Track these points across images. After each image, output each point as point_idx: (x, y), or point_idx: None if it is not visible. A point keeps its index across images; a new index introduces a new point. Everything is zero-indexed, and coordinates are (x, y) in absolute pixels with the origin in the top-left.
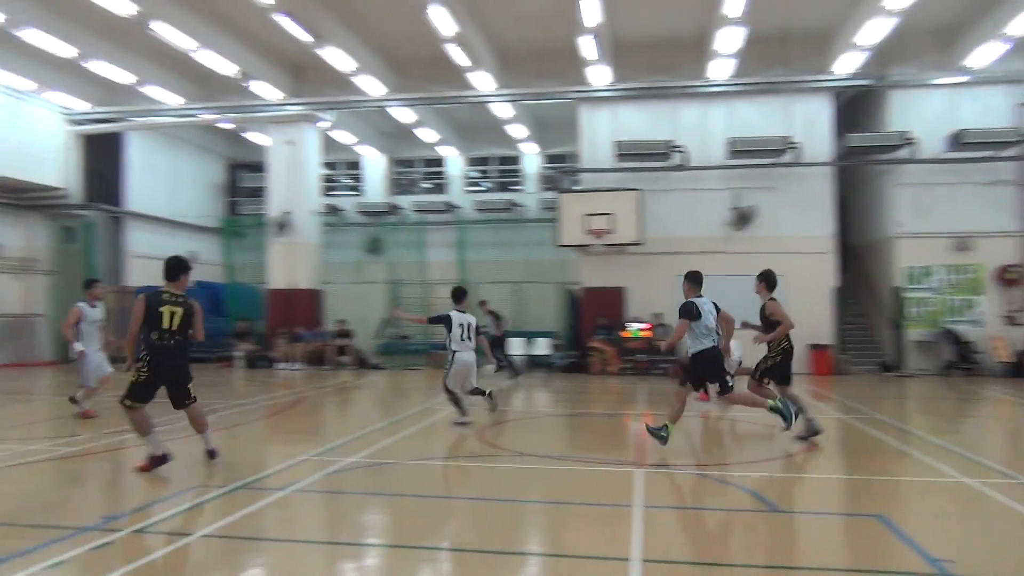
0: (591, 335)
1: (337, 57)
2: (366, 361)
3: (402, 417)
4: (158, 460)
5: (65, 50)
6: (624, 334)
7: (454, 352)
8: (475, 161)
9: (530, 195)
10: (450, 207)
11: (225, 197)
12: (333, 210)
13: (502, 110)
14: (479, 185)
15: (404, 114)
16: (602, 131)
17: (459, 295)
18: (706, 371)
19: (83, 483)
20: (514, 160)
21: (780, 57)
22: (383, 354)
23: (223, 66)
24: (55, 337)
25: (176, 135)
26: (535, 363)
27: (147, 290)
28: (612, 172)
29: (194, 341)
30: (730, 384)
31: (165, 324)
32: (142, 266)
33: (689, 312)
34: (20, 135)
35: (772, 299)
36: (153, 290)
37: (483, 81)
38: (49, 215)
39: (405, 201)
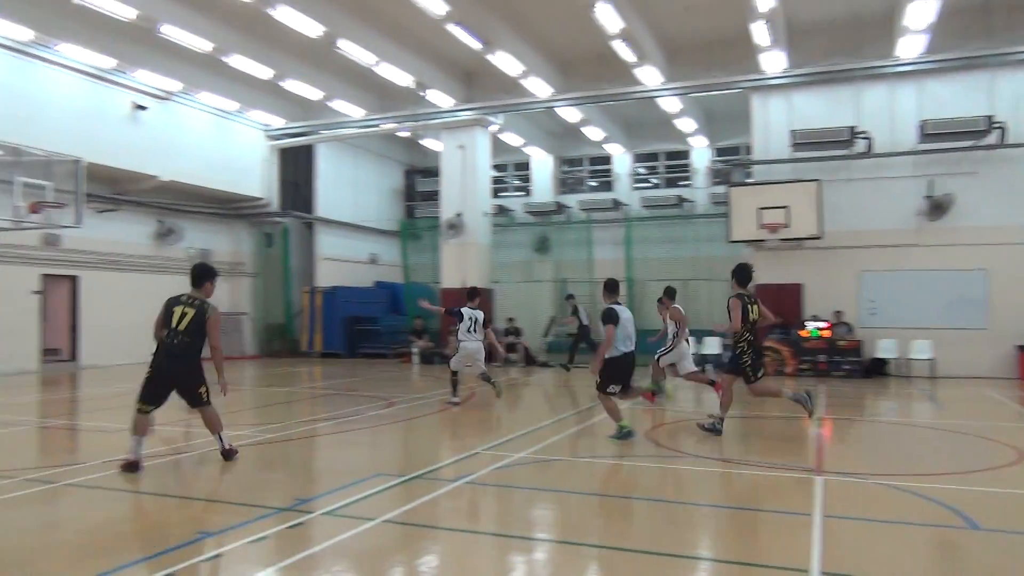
0: (765, 335)
1: (506, 61)
2: (534, 359)
3: (570, 414)
4: (131, 465)
5: (264, 72)
6: (803, 333)
7: (460, 341)
8: (642, 157)
9: (700, 190)
10: (617, 204)
11: (403, 201)
12: (502, 211)
13: (670, 104)
14: (647, 181)
15: (571, 113)
16: (776, 120)
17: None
18: (612, 376)
19: (279, 467)
20: (683, 155)
21: (981, 28)
22: (551, 352)
23: (400, 77)
24: (258, 333)
25: (359, 145)
26: (705, 363)
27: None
28: (787, 163)
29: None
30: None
31: (173, 323)
32: (330, 268)
33: (611, 317)
34: (227, 151)
35: (736, 295)
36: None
37: (650, 76)
38: (251, 223)
39: (572, 200)
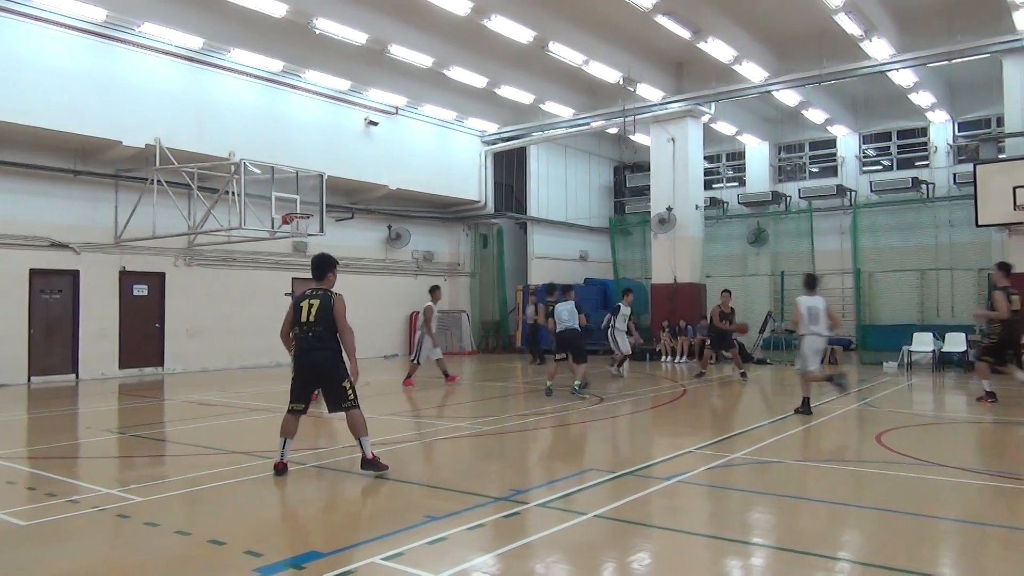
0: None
1: (717, 48)
2: (749, 356)
3: (788, 415)
4: (278, 467)
5: (479, 81)
6: None
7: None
8: (871, 138)
9: (940, 170)
10: (842, 191)
11: (613, 198)
12: (715, 203)
13: (903, 77)
14: (876, 164)
15: (788, 96)
16: None
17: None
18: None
19: (496, 458)
20: (919, 132)
21: None
22: (768, 349)
23: (609, 74)
24: (475, 329)
25: (569, 144)
26: (945, 361)
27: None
28: None
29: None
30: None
31: (303, 318)
32: (542, 266)
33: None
34: (447, 158)
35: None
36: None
37: (879, 49)
38: (469, 225)
39: (791, 188)
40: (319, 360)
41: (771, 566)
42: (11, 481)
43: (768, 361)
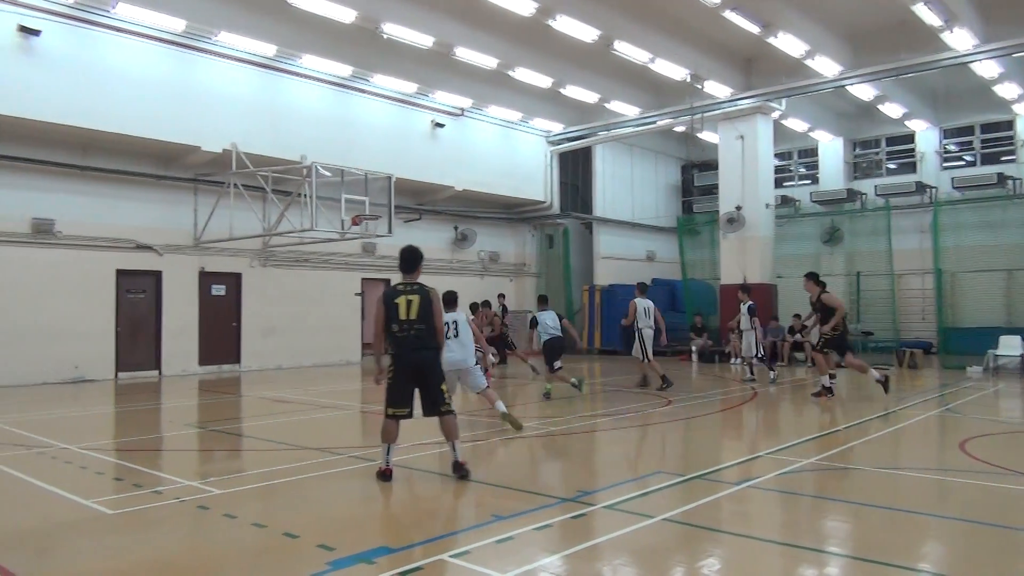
0: None
1: (788, 42)
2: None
3: (865, 420)
4: (384, 473)
5: (544, 81)
6: None
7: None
8: (953, 132)
9: None
10: (921, 188)
11: (680, 197)
12: (786, 201)
13: (987, 69)
14: (959, 159)
15: (864, 91)
16: None
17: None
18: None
19: (563, 459)
20: (1005, 125)
21: None
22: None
23: (675, 72)
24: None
25: (635, 143)
26: None
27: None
28: None
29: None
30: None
31: (402, 315)
32: (608, 266)
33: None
34: (512, 159)
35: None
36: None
37: (960, 40)
38: (534, 225)
39: (867, 185)
40: (425, 360)
41: None
42: (100, 472)
43: (843, 365)
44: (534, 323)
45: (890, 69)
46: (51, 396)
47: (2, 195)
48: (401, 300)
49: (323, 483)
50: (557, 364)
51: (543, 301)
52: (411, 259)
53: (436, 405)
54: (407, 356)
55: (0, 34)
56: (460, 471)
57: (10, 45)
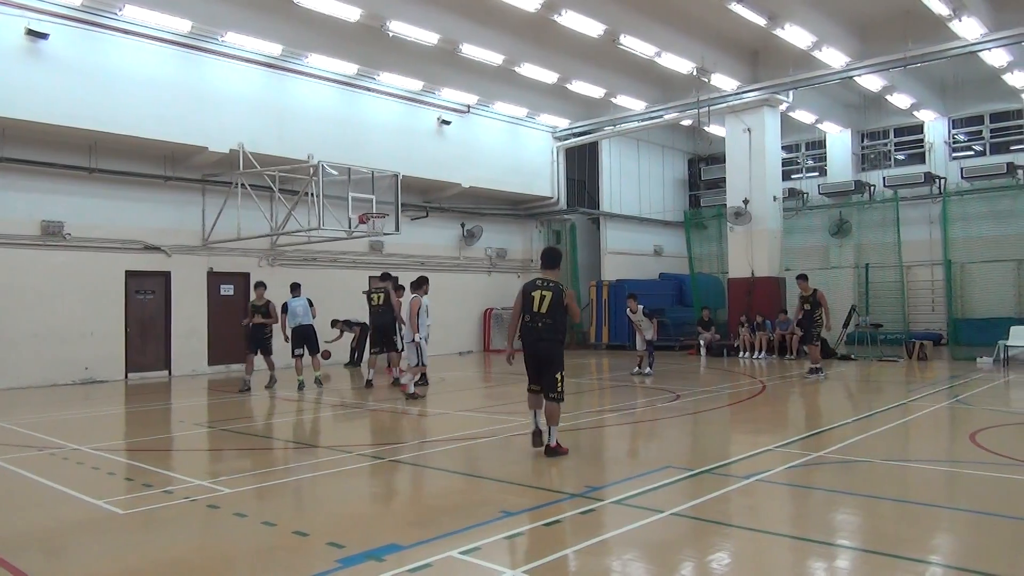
0: None
1: (794, 34)
2: (832, 351)
3: (875, 412)
4: (536, 435)
5: (550, 77)
6: None
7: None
8: (962, 122)
9: None
10: (930, 178)
11: (687, 191)
12: (793, 193)
13: (995, 57)
14: (968, 149)
15: (871, 81)
16: None
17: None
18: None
19: (571, 455)
20: (1014, 115)
21: None
22: (852, 344)
23: (681, 65)
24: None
25: (642, 137)
26: None
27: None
28: None
29: (573, 324)
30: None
31: (535, 307)
32: (616, 261)
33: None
34: (519, 155)
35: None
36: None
37: (969, 28)
38: (541, 221)
39: (875, 177)
40: (544, 351)
41: (857, 569)
42: (111, 472)
43: (852, 357)
44: (285, 309)
45: (898, 59)
46: (62, 397)
47: (11, 198)
48: (537, 294)
49: (332, 481)
50: (299, 351)
51: (294, 288)
52: (551, 257)
53: (550, 390)
54: (530, 345)
55: (8, 38)
56: (549, 452)
57: (18, 49)
